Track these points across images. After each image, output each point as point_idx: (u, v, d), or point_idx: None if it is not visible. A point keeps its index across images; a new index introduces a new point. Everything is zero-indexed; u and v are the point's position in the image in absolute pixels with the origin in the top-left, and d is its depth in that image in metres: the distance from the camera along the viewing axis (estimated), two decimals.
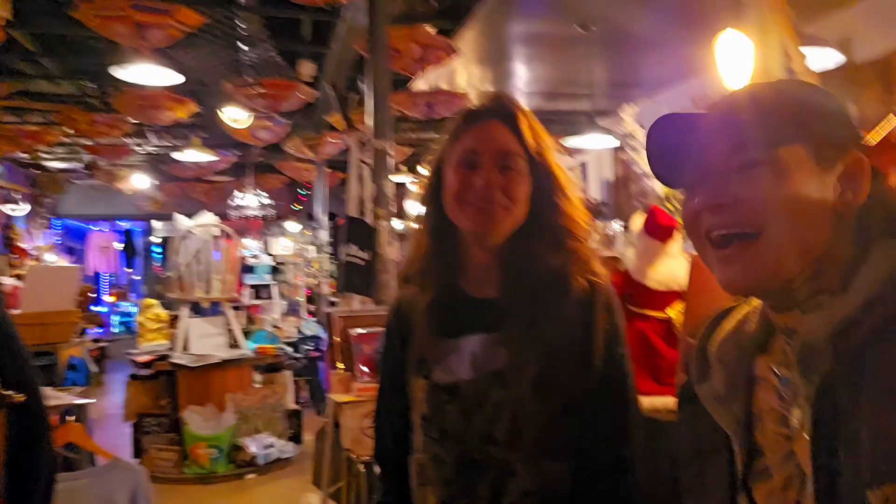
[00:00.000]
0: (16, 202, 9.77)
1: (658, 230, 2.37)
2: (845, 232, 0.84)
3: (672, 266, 2.30)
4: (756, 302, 0.96)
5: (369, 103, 4.31)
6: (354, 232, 4.21)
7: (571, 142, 5.88)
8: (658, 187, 2.79)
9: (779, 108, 0.86)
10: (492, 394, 1.23)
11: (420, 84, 6.03)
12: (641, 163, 3.04)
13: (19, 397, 0.93)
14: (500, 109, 1.30)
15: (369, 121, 4.35)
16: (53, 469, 1.04)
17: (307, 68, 5.89)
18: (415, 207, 10.68)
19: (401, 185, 9.08)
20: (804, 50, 2.88)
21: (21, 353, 1.14)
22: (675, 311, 2.27)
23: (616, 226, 7.59)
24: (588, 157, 6.95)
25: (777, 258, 0.83)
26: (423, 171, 9.70)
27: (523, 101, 1.37)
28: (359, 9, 4.53)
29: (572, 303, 1.25)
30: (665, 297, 2.30)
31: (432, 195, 1.33)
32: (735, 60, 2.03)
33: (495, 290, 1.30)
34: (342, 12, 4.88)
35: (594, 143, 5.83)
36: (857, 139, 0.88)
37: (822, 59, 3.55)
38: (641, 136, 3.10)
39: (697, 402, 0.99)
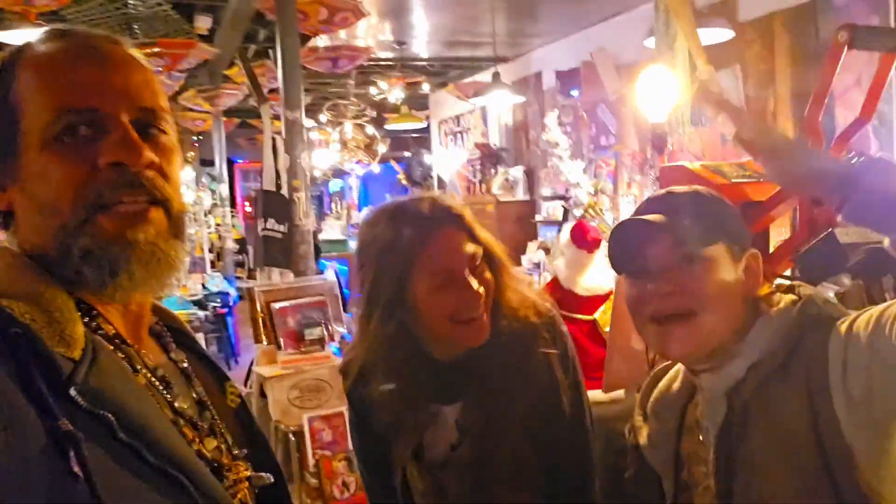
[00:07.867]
0: None
1: (586, 243, 2.55)
2: (747, 310, 1.08)
3: (598, 274, 2.50)
4: None
5: (279, 72, 4.23)
6: (270, 205, 4.19)
7: (477, 101, 5.96)
8: (583, 197, 2.97)
9: (705, 213, 1.08)
10: (480, 452, 1.33)
11: (322, 39, 5.90)
12: (564, 169, 3.20)
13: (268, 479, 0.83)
14: (446, 216, 1.30)
15: (277, 84, 4.27)
16: None
17: (203, 22, 5.63)
18: (318, 156, 10.52)
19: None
20: (699, 31, 3.08)
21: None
22: (599, 314, 2.48)
23: (516, 172, 7.75)
24: (487, 102, 7.02)
25: (708, 333, 1.05)
26: (324, 118, 9.56)
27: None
28: None
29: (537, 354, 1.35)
30: (592, 302, 2.51)
31: (395, 303, 1.28)
32: (656, 95, 2.19)
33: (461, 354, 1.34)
34: None
35: (498, 101, 5.92)
36: (749, 240, 1.13)
37: (715, 35, 3.77)
38: (565, 143, 3.25)
39: (639, 445, 1.23)
